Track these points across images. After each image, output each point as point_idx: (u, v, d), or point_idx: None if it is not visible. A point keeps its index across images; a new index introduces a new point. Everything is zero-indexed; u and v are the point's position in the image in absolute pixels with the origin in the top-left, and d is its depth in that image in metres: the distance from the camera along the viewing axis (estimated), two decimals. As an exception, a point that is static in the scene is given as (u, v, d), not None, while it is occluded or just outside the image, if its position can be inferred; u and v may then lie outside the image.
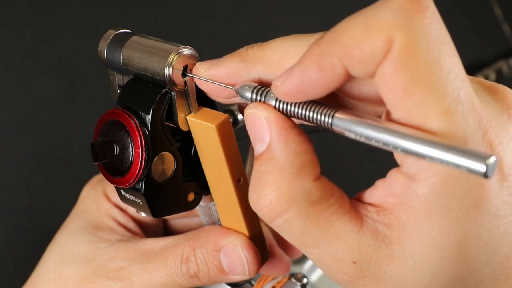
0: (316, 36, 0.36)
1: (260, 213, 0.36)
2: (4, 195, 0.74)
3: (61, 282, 0.49)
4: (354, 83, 0.35)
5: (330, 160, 0.82)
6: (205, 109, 0.42)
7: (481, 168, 0.29)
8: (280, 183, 0.35)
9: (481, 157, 0.29)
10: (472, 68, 0.93)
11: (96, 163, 0.42)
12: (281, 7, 0.93)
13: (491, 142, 0.33)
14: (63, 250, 0.50)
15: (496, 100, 0.36)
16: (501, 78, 0.93)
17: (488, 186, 0.33)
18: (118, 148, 0.41)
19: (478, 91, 0.35)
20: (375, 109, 0.37)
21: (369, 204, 0.36)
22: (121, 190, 0.44)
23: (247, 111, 0.37)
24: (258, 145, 0.36)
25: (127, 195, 0.44)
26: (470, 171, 0.29)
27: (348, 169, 0.83)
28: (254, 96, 0.37)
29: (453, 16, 0.97)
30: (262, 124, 0.36)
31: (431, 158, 0.30)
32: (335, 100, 0.37)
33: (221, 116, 0.41)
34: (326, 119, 0.34)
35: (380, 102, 0.34)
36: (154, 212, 0.43)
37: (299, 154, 0.35)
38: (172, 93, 0.41)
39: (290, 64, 0.35)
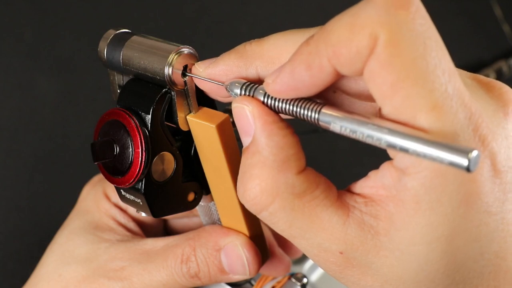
0: (313, 30, 0.36)
1: (247, 206, 0.36)
2: (4, 195, 0.74)
3: (62, 282, 0.49)
4: (352, 80, 0.35)
5: (330, 159, 0.82)
6: (205, 109, 0.42)
7: (463, 162, 0.29)
8: (264, 176, 0.35)
9: (463, 151, 0.29)
10: (472, 68, 0.93)
11: (96, 163, 0.42)
12: (281, 7, 0.93)
13: (484, 138, 0.33)
14: (63, 250, 0.50)
15: (493, 97, 0.35)
16: (501, 78, 0.93)
17: (480, 182, 0.33)
18: (118, 148, 0.41)
19: (475, 87, 0.35)
20: (374, 106, 0.37)
21: (359, 194, 0.36)
22: (121, 190, 0.44)
23: (233, 105, 0.37)
24: (245, 139, 0.37)
25: (127, 195, 0.44)
26: (453, 165, 0.30)
27: (348, 166, 0.83)
28: (243, 92, 0.37)
29: (453, 16, 0.97)
30: (247, 118, 0.36)
31: (414, 152, 0.31)
32: (335, 99, 0.37)
33: (221, 116, 0.41)
34: (313, 114, 0.35)
35: None
36: (154, 212, 0.43)
37: (282, 148, 0.36)
38: (172, 93, 0.41)
39: (287, 59, 0.35)
